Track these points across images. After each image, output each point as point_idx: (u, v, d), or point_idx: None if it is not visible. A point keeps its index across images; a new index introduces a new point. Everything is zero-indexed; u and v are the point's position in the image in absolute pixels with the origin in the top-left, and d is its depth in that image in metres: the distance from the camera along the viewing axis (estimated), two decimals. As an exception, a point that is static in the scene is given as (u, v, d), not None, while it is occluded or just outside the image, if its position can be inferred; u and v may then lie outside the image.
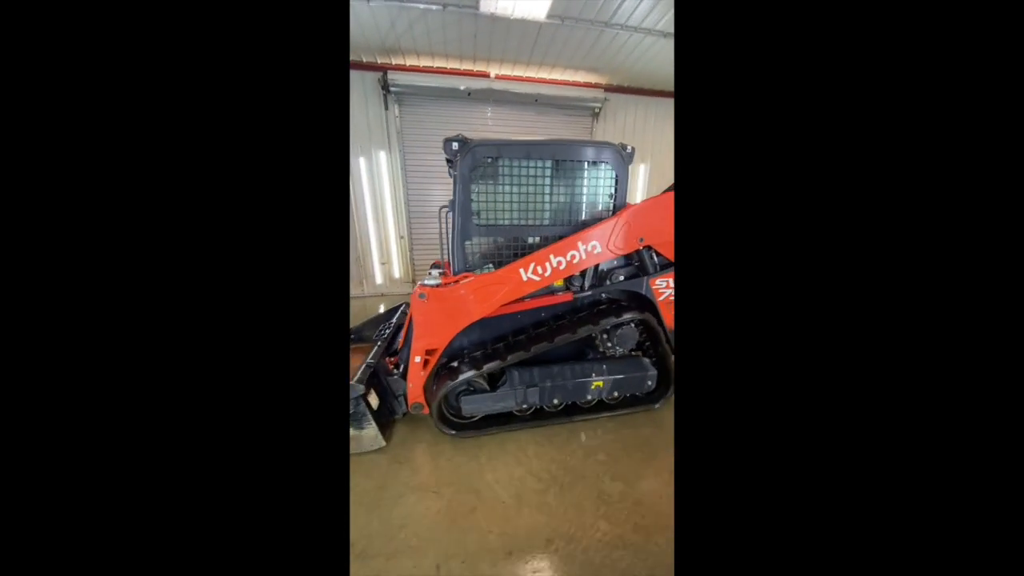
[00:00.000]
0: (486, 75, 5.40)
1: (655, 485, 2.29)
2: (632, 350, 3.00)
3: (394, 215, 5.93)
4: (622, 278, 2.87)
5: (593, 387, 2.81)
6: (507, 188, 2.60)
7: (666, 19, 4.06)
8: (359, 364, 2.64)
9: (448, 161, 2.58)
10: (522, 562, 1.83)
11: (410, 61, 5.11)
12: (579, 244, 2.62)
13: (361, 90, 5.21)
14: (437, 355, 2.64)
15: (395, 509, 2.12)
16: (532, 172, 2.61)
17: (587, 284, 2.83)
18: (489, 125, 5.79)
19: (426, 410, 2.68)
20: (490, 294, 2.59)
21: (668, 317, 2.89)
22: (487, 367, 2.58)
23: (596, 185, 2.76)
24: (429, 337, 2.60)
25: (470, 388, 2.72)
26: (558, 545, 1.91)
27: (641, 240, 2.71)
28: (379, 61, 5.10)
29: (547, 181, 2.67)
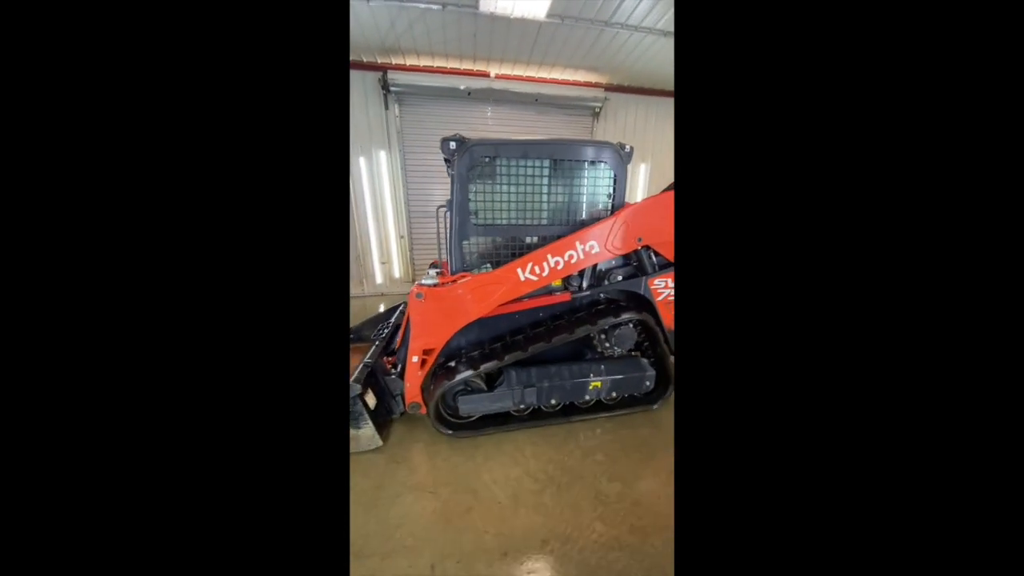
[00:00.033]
0: (486, 75, 5.40)
1: (653, 486, 2.28)
2: (631, 350, 2.99)
3: (394, 215, 5.94)
4: (620, 278, 2.86)
5: (591, 387, 2.80)
6: (505, 188, 2.59)
7: (666, 18, 4.04)
8: (356, 363, 2.64)
9: (446, 160, 2.58)
10: (517, 563, 1.82)
11: (410, 61, 5.11)
12: (577, 244, 2.61)
13: (361, 90, 5.22)
14: (435, 355, 2.64)
15: (391, 509, 2.12)
16: (530, 172, 2.60)
17: (585, 284, 2.82)
18: (489, 125, 5.78)
19: (423, 410, 2.68)
20: (487, 294, 2.59)
21: (666, 317, 2.87)
22: (484, 367, 2.57)
23: (594, 185, 2.75)
24: (426, 337, 2.60)
25: (467, 388, 2.72)
26: (554, 546, 1.90)
27: (639, 240, 2.70)
28: (379, 61, 5.11)
29: (545, 181, 2.67)
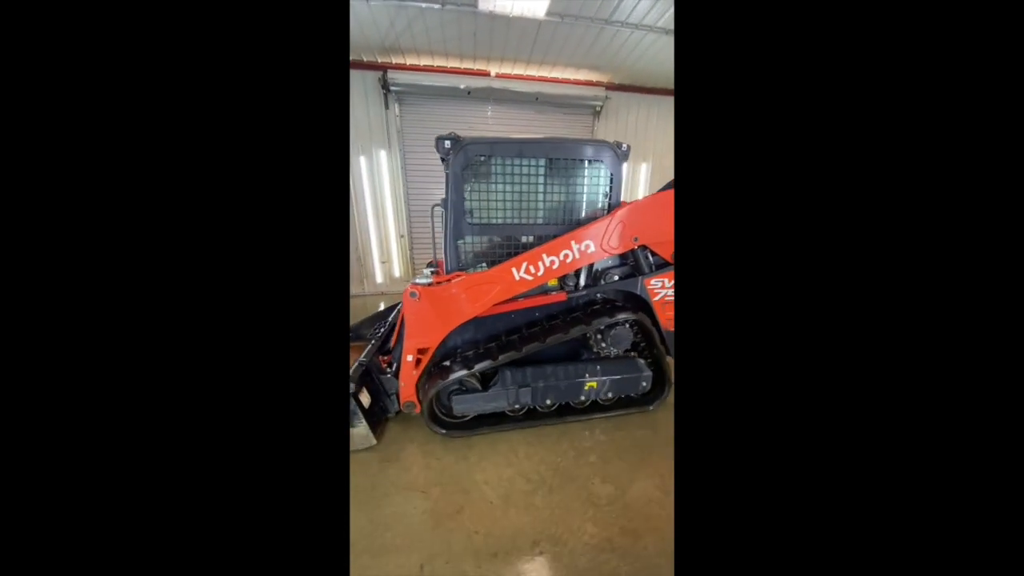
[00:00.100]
0: (486, 74, 5.39)
1: (646, 488, 2.26)
2: (627, 351, 2.97)
3: (394, 214, 5.95)
4: (616, 278, 2.84)
5: (587, 388, 2.78)
6: (500, 186, 2.58)
7: (667, 16, 4.01)
8: (352, 362, 2.64)
9: (443, 159, 2.57)
10: (507, 563, 1.81)
11: (410, 60, 5.12)
12: (572, 243, 2.60)
13: (361, 89, 5.23)
14: (429, 354, 2.63)
15: (382, 508, 2.12)
16: (525, 171, 2.59)
17: (581, 284, 2.80)
18: (490, 124, 5.78)
19: (418, 409, 2.67)
20: (482, 293, 2.58)
21: (663, 318, 2.85)
22: (478, 366, 2.57)
23: (590, 184, 2.73)
24: (421, 336, 2.59)
25: (462, 387, 2.71)
26: (544, 547, 1.89)
27: (636, 239, 2.68)
28: (379, 60, 5.12)
29: (541, 180, 2.65)
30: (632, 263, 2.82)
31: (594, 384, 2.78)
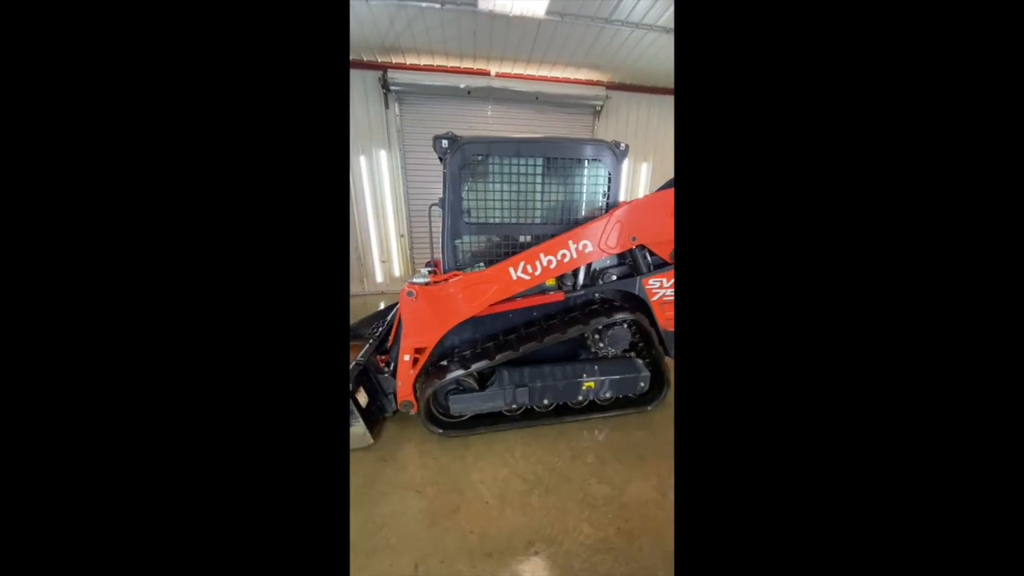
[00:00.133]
0: (486, 73, 5.38)
1: (642, 489, 2.25)
2: (625, 351, 2.96)
3: (394, 213, 5.96)
4: (615, 277, 2.83)
5: (584, 388, 2.77)
6: (498, 186, 2.58)
7: (668, 15, 4.00)
8: (349, 361, 2.64)
9: (440, 159, 2.57)
10: (502, 564, 1.81)
11: (410, 60, 5.12)
12: (570, 243, 2.59)
13: (361, 89, 5.24)
14: (427, 353, 2.63)
15: (378, 507, 2.12)
16: (523, 170, 2.58)
17: (579, 283, 2.79)
18: (490, 123, 5.77)
19: (415, 408, 2.67)
20: (479, 292, 2.58)
21: (661, 317, 2.84)
22: (476, 366, 2.56)
23: (588, 183, 2.72)
24: (418, 335, 2.59)
25: (459, 387, 2.71)
26: (539, 548, 1.89)
27: (634, 239, 2.67)
28: (379, 60, 5.12)
29: (538, 179, 2.64)
30: (630, 263, 2.81)
31: (592, 384, 2.77)
